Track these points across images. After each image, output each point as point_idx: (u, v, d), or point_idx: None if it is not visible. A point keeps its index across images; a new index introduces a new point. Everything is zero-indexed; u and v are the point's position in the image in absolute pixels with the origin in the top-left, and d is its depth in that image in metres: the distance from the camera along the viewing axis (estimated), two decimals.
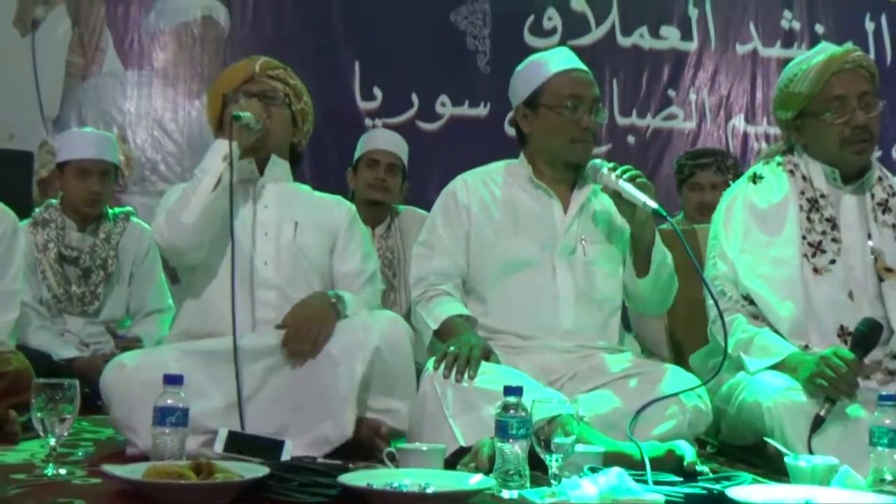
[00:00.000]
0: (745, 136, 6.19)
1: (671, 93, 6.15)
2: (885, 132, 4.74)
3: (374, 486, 2.24)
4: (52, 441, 2.48)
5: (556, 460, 2.36)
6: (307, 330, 2.99)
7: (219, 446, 2.74)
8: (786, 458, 2.60)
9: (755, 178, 3.31)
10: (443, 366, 2.83)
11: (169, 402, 2.52)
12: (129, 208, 4.59)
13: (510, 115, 3.54)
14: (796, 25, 6.27)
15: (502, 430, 2.36)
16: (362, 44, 5.76)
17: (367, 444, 2.89)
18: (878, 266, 3.14)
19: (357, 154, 4.58)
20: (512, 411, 2.36)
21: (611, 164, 3.09)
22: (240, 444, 2.75)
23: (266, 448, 2.73)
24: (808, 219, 3.19)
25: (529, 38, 5.95)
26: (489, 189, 3.30)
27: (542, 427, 2.42)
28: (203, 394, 2.84)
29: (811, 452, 2.73)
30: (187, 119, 5.60)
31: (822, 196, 3.22)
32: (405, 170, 4.58)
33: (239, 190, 3.13)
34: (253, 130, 3.12)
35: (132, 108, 5.58)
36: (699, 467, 2.62)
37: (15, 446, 2.98)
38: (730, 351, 2.97)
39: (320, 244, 3.26)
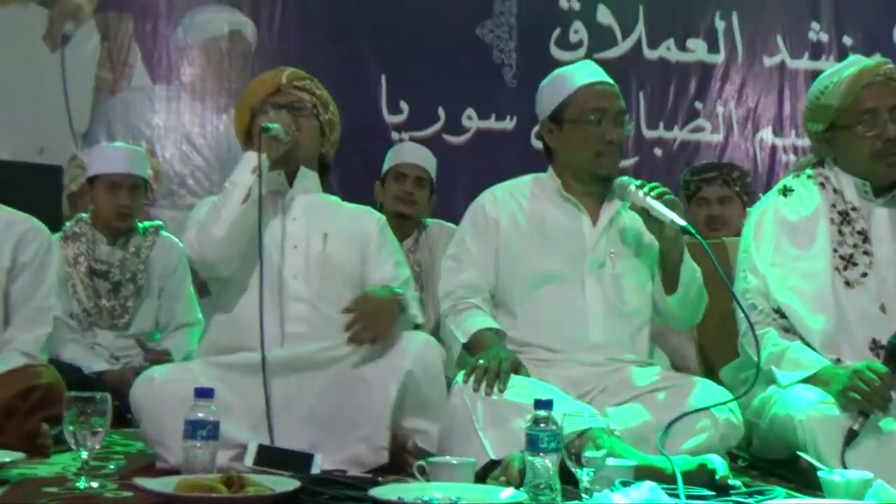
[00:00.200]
0: (773, 148, 6.16)
1: (698, 105, 6.13)
2: None
3: (406, 500, 2.23)
4: (84, 454, 2.49)
5: (588, 474, 2.35)
6: (374, 319, 2.98)
7: (249, 460, 2.74)
8: (819, 473, 2.58)
9: (785, 191, 3.30)
10: (472, 379, 2.83)
11: (200, 415, 2.52)
12: (158, 222, 4.62)
13: (536, 128, 3.53)
14: (824, 37, 6.24)
15: (533, 444, 2.35)
16: (389, 57, 5.77)
17: (395, 458, 2.88)
18: None
19: (385, 167, 4.59)
20: (543, 425, 2.35)
21: (638, 182, 3.09)
22: (270, 457, 2.75)
23: (296, 461, 2.74)
24: (840, 232, 3.17)
25: (556, 52, 5.94)
26: (518, 202, 3.29)
27: (572, 440, 2.41)
28: (232, 408, 2.83)
29: (845, 466, 2.71)
30: (215, 133, 5.63)
31: (854, 209, 3.20)
32: (433, 184, 4.58)
33: (268, 202, 3.14)
34: (282, 142, 3.12)
35: (160, 123, 5.61)
36: (731, 481, 2.60)
37: (47, 459, 2.99)
38: (761, 364, 2.96)
39: (350, 255, 3.25)
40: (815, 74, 3.51)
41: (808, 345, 3.06)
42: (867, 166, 3.19)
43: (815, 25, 6.24)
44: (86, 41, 5.56)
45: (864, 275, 3.11)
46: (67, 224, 4.41)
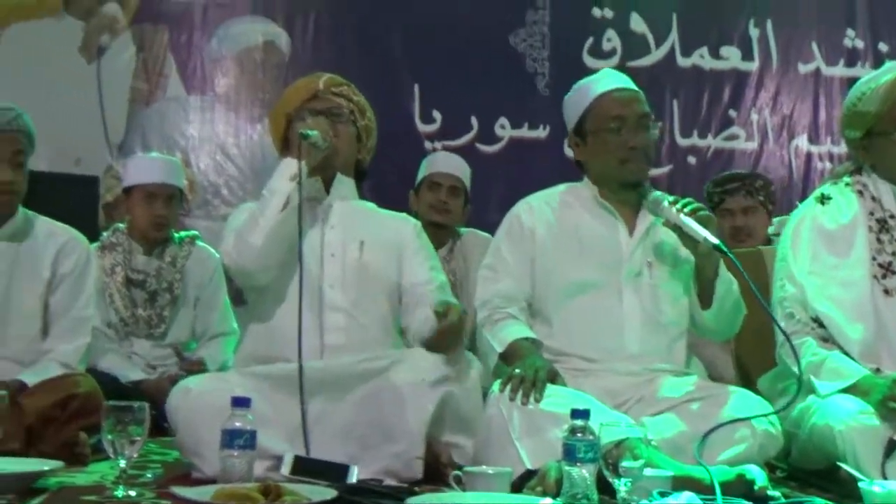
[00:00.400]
0: (809, 155, 6.12)
1: (732, 113, 6.10)
2: None
3: None
4: (122, 463, 2.49)
5: (625, 484, 2.34)
6: (458, 332, 2.97)
7: (285, 469, 2.74)
8: (859, 483, 2.55)
9: (823, 199, 3.27)
10: (508, 388, 2.81)
11: (237, 424, 2.52)
12: (194, 232, 4.64)
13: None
14: (859, 44, 6.20)
15: (570, 454, 2.33)
16: (421, 67, 5.79)
17: (430, 470, 2.87)
18: None
19: (419, 177, 4.60)
20: (580, 434, 2.34)
21: (671, 198, 3.06)
22: (306, 467, 2.74)
23: (332, 472, 2.73)
24: (878, 240, 3.14)
25: (589, 60, 5.94)
26: (553, 211, 3.28)
27: (610, 450, 2.40)
28: (268, 419, 2.80)
29: (885, 477, 2.69)
30: (249, 143, 5.67)
31: (892, 216, 3.17)
32: (468, 193, 4.58)
33: (306, 210, 3.09)
34: (320, 149, 3.09)
35: (195, 133, 5.66)
36: (770, 492, 2.58)
37: (85, 468, 3.01)
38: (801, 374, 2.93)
39: (386, 262, 3.23)
40: (850, 81, 3.49)
41: (846, 354, 3.04)
42: None
43: (850, 32, 6.20)
44: (121, 52, 5.62)
45: None
46: (104, 234, 4.45)
